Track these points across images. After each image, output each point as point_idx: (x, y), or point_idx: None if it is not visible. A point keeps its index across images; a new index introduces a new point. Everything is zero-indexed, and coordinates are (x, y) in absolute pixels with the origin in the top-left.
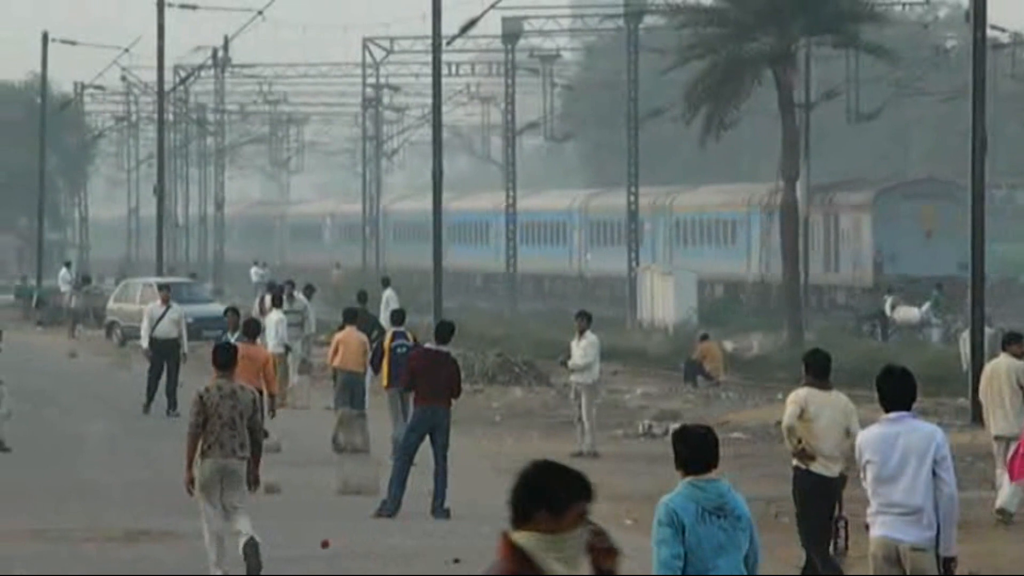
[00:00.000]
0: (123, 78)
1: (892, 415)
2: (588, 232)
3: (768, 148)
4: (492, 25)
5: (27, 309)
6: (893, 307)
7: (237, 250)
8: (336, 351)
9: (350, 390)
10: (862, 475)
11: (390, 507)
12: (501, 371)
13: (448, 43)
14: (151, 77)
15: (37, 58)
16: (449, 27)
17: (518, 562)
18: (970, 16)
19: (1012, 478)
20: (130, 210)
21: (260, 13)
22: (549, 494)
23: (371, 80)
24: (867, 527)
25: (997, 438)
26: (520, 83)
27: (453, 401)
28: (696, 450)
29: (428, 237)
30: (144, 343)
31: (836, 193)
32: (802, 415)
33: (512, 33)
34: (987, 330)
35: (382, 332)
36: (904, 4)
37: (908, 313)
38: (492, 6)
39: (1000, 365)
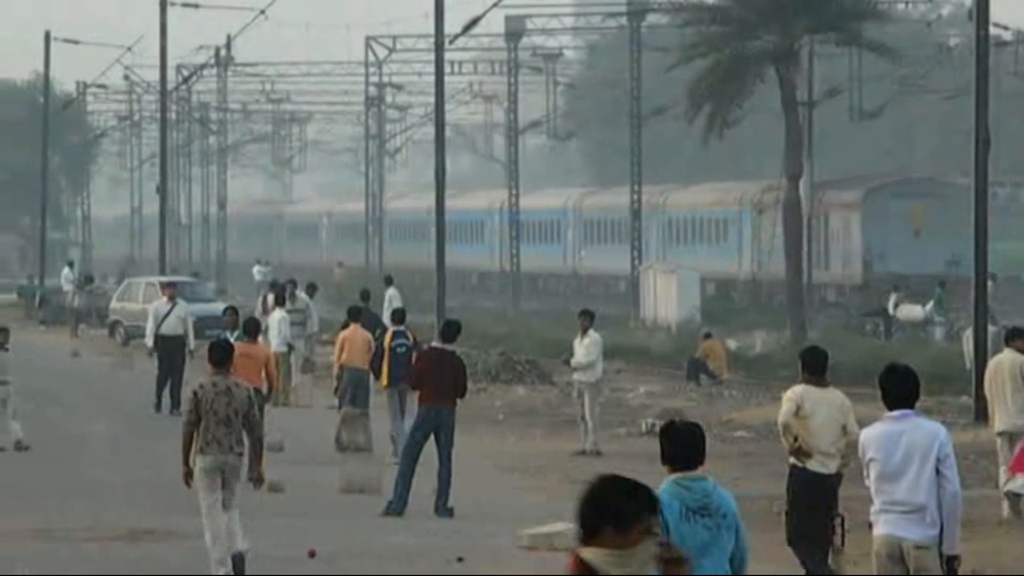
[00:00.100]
0: (126, 77)
1: (895, 413)
2: (582, 230)
3: (771, 146)
4: (495, 23)
5: (30, 308)
6: (896, 305)
7: (236, 249)
8: (342, 349)
9: (354, 388)
10: (865, 473)
11: (396, 506)
12: (504, 370)
13: (451, 41)
14: (154, 76)
15: (40, 57)
16: (452, 25)
17: None
18: (973, 14)
19: (1012, 471)
20: (133, 209)
21: (262, 12)
22: (615, 510)
23: (374, 79)
24: (870, 525)
25: (1000, 434)
26: (523, 81)
27: (458, 400)
28: (682, 446)
29: (424, 236)
30: (149, 341)
31: (826, 192)
32: (798, 412)
33: (515, 31)
34: (990, 328)
35: (384, 331)
36: (907, 2)
37: (911, 311)
38: (495, 4)
39: (1004, 360)
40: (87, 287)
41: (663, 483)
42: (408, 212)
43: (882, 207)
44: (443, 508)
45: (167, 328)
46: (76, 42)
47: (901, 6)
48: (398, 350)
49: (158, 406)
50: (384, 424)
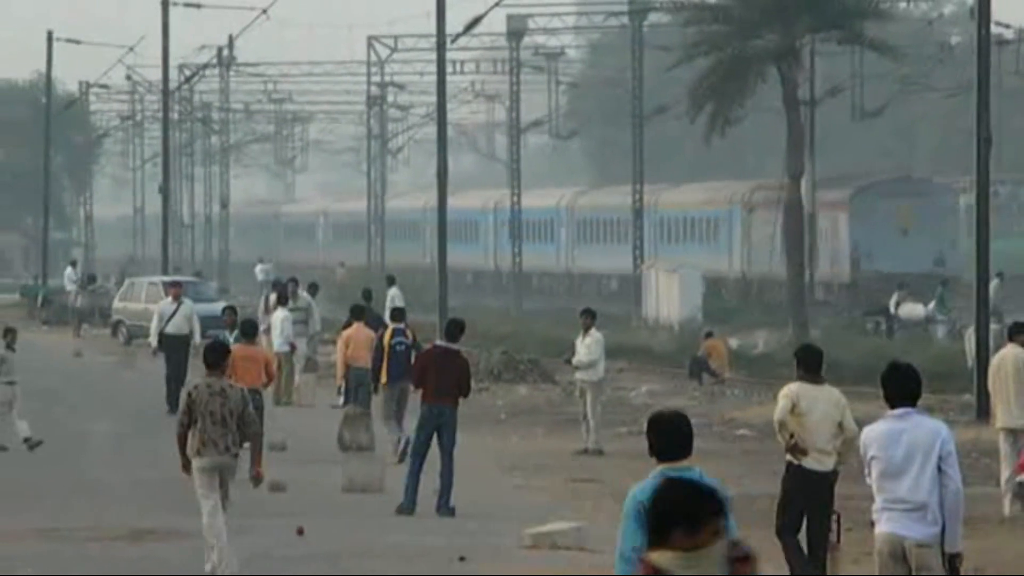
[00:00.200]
0: (128, 77)
1: (897, 411)
2: (575, 229)
3: (773, 145)
4: (496, 23)
5: (33, 308)
6: (898, 304)
7: (235, 249)
8: (346, 348)
9: (356, 387)
10: (866, 471)
11: (407, 506)
12: (506, 369)
13: (452, 41)
14: (156, 76)
15: (42, 57)
16: (453, 25)
17: None
18: (974, 12)
19: (1021, 470)
20: (135, 209)
21: (264, 12)
22: (685, 512)
23: (376, 78)
24: (872, 523)
25: (1003, 430)
26: (525, 81)
27: (461, 399)
28: (668, 438)
29: (418, 235)
30: (153, 341)
31: (815, 191)
32: (794, 409)
33: (516, 31)
34: (992, 326)
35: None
36: (908, 1)
37: (913, 310)
38: (496, 4)
39: (1007, 356)
40: (90, 287)
41: (650, 474)
42: (403, 212)
43: (870, 206)
44: (445, 507)
45: (172, 327)
46: (78, 42)
47: (903, 5)
48: (397, 348)
49: (171, 407)
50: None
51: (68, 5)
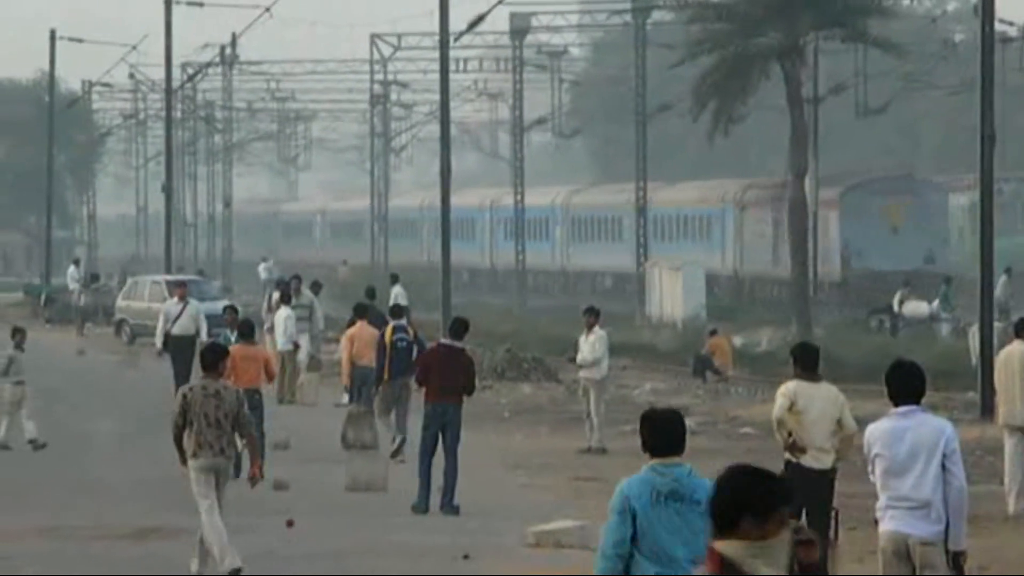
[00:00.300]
0: (131, 75)
1: (901, 409)
2: (570, 227)
3: (776, 143)
4: (500, 21)
5: (36, 307)
6: (902, 301)
7: (237, 247)
8: (352, 346)
9: (360, 385)
10: (870, 469)
11: (420, 504)
12: (510, 367)
13: (456, 39)
14: (159, 74)
15: (45, 56)
16: (457, 23)
17: (727, 572)
18: (978, 10)
19: None
20: (138, 208)
21: (267, 10)
22: (752, 500)
23: (379, 76)
24: (875, 521)
25: (1008, 427)
26: (528, 79)
27: (465, 397)
28: (659, 434)
29: (415, 233)
30: (158, 342)
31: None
32: (792, 408)
33: (520, 29)
34: (997, 324)
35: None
36: None
37: (917, 307)
38: (499, 2)
39: (1014, 352)
40: (93, 286)
41: (641, 468)
42: (401, 211)
43: (860, 204)
44: (449, 505)
45: (179, 328)
46: (81, 41)
47: (906, 2)
48: (399, 344)
49: None
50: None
51: (71, 4)
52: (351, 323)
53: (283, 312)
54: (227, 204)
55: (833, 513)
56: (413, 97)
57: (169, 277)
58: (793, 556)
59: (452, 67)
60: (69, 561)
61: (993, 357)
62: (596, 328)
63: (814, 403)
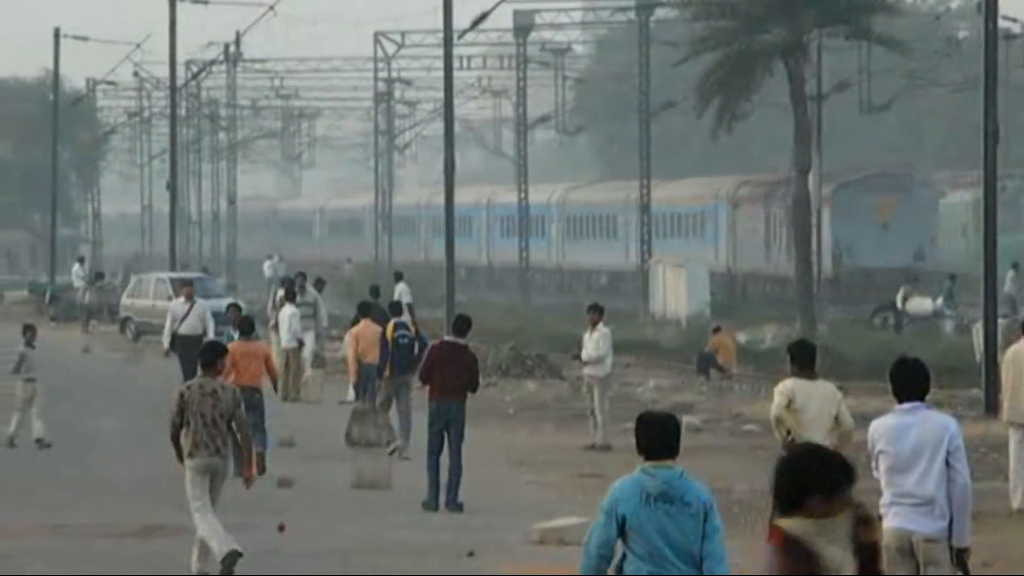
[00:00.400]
0: (135, 74)
1: (906, 405)
2: (565, 225)
3: (780, 140)
4: (503, 18)
5: (41, 305)
6: (905, 298)
7: (240, 245)
8: (357, 344)
9: (364, 382)
10: (874, 465)
11: (431, 502)
12: (514, 364)
13: (459, 37)
14: (163, 72)
15: (49, 54)
16: (460, 21)
17: (793, 549)
18: (982, 7)
19: None
20: (143, 206)
21: (271, 8)
22: (821, 479)
23: (383, 74)
24: (879, 518)
25: (1013, 424)
26: (532, 76)
27: (469, 394)
28: (653, 437)
29: (414, 231)
30: (165, 342)
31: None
32: (790, 405)
33: (523, 26)
34: (1001, 320)
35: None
36: None
37: (922, 304)
38: None
39: (1022, 350)
40: (98, 283)
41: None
42: (399, 208)
43: (851, 201)
44: (453, 503)
45: (186, 328)
46: (86, 39)
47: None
48: (400, 341)
49: None
50: (393, 421)
51: (75, 2)
52: (355, 321)
53: (288, 310)
54: (231, 202)
55: None
56: (417, 95)
57: (174, 275)
58: (854, 534)
59: (456, 64)
60: (73, 559)
61: (997, 354)
62: (600, 325)
63: (812, 401)
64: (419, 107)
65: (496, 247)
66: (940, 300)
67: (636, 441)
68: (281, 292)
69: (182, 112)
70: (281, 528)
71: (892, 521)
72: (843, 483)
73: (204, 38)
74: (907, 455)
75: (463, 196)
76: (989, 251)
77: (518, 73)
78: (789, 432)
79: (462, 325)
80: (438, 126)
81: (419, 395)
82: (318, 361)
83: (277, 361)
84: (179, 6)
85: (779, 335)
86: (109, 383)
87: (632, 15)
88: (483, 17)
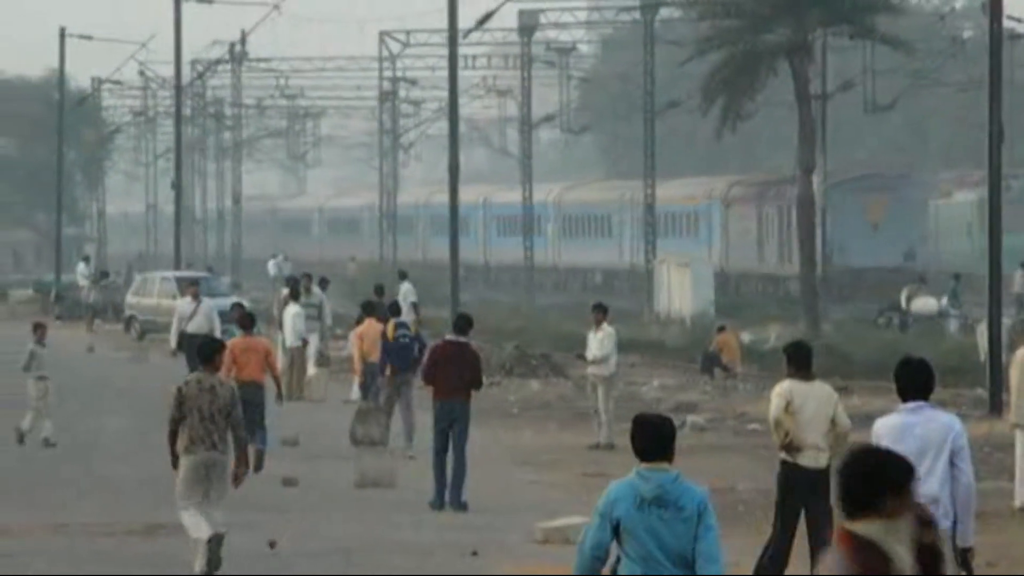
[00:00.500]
0: (140, 73)
1: (910, 405)
2: (562, 225)
3: (785, 139)
4: (508, 18)
5: (46, 303)
6: (909, 298)
7: (245, 244)
8: (361, 343)
9: (369, 382)
10: None
11: (437, 501)
12: (518, 364)
13: (464, 36)
14: (168, 72)
15: (55, 53)
16: (465, 20)
17: (867, 551)
18: (986, 7)
19: None
20: (148, 205)
21: (276, 7)
22: (892, 479)
23: (388, 74)
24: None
25: (1019, 426)
26: (536, 76)
27: (473, 393)
28: (647, 440)
29: (412, 231)
30: (172, 342)
31: (788, 187)
32: (788, 407)
33: (528, 26)
34: (1005, 320)
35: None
36: None
37: (926, 304)
38: None
39: None
40: (102, 282)
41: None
42: (399, 207)
43: (842, 201)
44: (457, 502)
45: (194, 327)
46: (91, 38)
47: None
48: (401, 340)
49: None
50: (397, 420)
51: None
52: (360, 321)
53: (292, 309)
54: (236, 201)
55: (831, 511)
56: (422, 94)
57: (179, 273)
58: (916, 536)
59: (461, 64)
60: (77, 557)
61: (1001, 353)
62: (605, 324)
63: (809, 402)
64: (424, 106)
65: (493, 246)
66: (944, 299)
67: (632, 443)
68: (285, 291)
69: (187, 111)
70: (272, 545)
71: None
72: (911, 479)
73: (209, 37)
74: (911, 454)
75: (461, 195)
76: (994, 250)
77: (523, 72)
78: (788, 434)
79: (463, 324)
80: (443, 125)
81: (422, 395)
82: (323, 360)
83: (281, 360)
84: (184, 5)
85: (783, 334)
86: (113, 382)
87: (637, 15)
88: (488, 17)
